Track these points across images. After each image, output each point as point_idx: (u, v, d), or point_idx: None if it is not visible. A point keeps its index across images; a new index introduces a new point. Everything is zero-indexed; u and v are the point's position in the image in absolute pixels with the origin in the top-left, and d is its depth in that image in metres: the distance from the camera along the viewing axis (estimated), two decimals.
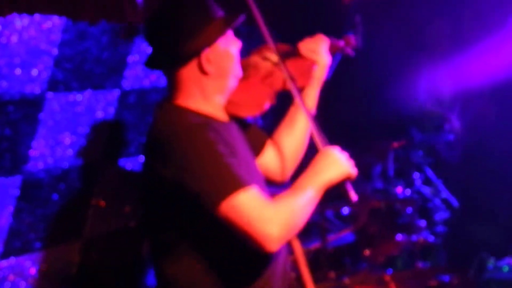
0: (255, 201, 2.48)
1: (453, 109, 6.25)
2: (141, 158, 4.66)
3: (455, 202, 5.51)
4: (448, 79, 5.55)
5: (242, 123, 3.03)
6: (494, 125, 5.77)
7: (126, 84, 4.56)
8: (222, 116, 2.82)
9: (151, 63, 2.82)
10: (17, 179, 4.03)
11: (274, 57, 3.01)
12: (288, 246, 3.24)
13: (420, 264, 4.97)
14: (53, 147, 4.20)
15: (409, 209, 5.02)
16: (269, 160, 3.14)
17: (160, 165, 2.59)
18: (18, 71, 3.93)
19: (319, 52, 3.18)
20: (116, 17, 4.36)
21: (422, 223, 5.06)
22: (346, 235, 5.04)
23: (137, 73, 4.61)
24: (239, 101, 2.86)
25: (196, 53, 2.70)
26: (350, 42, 3.39)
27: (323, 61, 3.19)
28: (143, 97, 4.68)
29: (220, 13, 2.78)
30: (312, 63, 3.15)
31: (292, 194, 2.61)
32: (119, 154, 4.61)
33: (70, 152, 4.29)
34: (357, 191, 5.13)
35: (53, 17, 4.07)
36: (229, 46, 2.78)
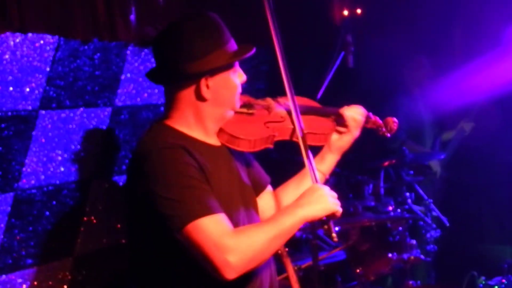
0: (218, 229, 2.47)
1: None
2: None
3: (446, 221, 5.52)
4: (450, 94, 5.58)
5: (245, 157, 3.03)
6: (486, 144, 5.80)
7: (118, 101, 4.58)
8: (212, 140, 2.82)
9: (152, 76, 2.84)
10: (8, 196, 4.04)
11: (289, 105, 2.96)
12: (280, 264, 3.24)
13: (410, 283, 4.97)
14: (45, 164, 4.21)
15: (400, 228, 5.03)
16: (265, 206, 3.10)
17: (134, 181, 2.62)
18: (10, 88, 3.95)
19: (359, 124, 3.16)
20: (108, 35, 4.39)
21: (413, 241, 5.06)
22: (337, 253, 5.03)
23: (129, 90, 4.63)
24: (234, 133, 2.84)
25: (196, 77, 2.69)
26: (389, 125, 3.33)
27: (355, 133, 3.15)
28: (135, 114, 4.70)
29: (231, 42, 2.77)
30: (333, 127, 3.13)
31: (264, 225, 2.60)
32: (110, 171, 4.62)
33: (62, 169, 4.30)
34: (348, 209, 5.18)
35: (46, 35, 4.10)
36: (232, 77, 2.78)
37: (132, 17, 4.51)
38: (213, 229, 2.46)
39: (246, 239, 2.49)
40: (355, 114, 3.16)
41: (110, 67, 4.51)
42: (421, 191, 5.58)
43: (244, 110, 2.96)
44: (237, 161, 2.92)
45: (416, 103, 6.32)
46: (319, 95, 4.75)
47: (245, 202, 2.87)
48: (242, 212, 2.80)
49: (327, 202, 2.65)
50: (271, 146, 2.96)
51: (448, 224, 5.51)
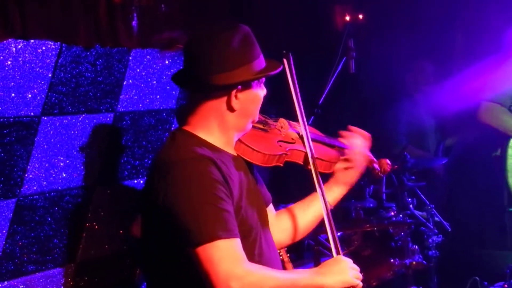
0: (233, 254, 2.48)
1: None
2: (136, 181, 4.69)
3: (448, 226, 5.52)
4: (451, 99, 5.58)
5: (254, 171, 3.04)
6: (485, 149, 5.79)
7: (120, 107, 4.58)
8: (230, 149, 2.84)
9: (179, 80, 2.85)
10: (11, 202, 4.04)
11: (300, 131, 3.02)
12: (283, 269, 3.24)
13: None
14: (47, 170, 4.21)
15: (402, 233, 5.02)
16: None
17: (157, 188, 2.59)
18: (13, 95, 3.96)
19: (364, 159, 3.23)
20: (110, 41, 4.40)
21: (415, 247, 5.05)
22: None
23: (131, 96, 4.64)
24: (252, 145, 2.88)
25: (228, 88, 2.72)
26: (383, 166, 3.38)
27: (361, 168, 3.21)
28: (137, 120, 4.70)
29: (261, 57, 2.80)
30: (337, 156, 3.19)
31: (279, 274, 2.60)
32: (113, 178, 4.62)
33: (64, 175, 4.30)
34: (350, 214, 5.18)
35: (48, 42, 4.11)
36: (258, 90, 2.81)
37: (134, 23, 4.52)
38: (228, 253, 2.47)
39: (256, 276, 2.49)
40: (358, 155, 3.22)
41: (112, 73, 4.52)
42: (423, 196, 5.57)
43: (260, 125, 3.01)
44: (249, 171, 2.94)
45: (418, 108, 6.33)
46: (320, 101, 4.75)
47: (260, 210, 2.90)
48: (259, 226, 2.82)
49: (348, 276, 2.65)
50: (281, 164, 2.99)
51: (450, 229, 5.51)
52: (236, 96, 2.73)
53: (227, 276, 2.42)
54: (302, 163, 3.00)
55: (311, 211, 3.14)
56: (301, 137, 3.02)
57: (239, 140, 2.87)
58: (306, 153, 2.97)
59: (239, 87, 2.72)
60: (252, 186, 2.90)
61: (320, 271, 2.65)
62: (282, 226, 3.13)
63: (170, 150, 2.70)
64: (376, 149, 6.10)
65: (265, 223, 2.92)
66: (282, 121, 3.11)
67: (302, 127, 2.96)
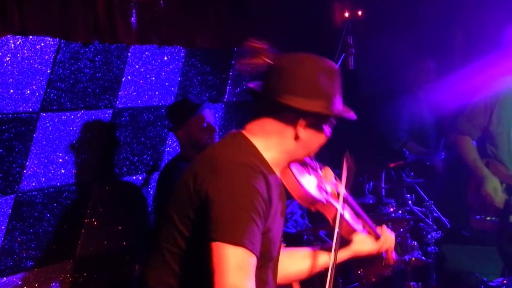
0: (244, 266, 2.44)
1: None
2: (135, 177, 4.69)
3: (446, 222, 5.51)
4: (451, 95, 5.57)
5: None
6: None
7: (119, 103, 4.59)
8: (277, 173, 2.79)
9: (255, 91, 2.78)
10: (9, 198, 4.05)
11: (339, 197, 2.90)
12: None
13: (412, 284, 4.96)
14: (46, 166, 4.22)
15: (401, 229, 5.02)
16: None
17: (204, 180, 2.56)
18: (11, 91, 3.96)
19: (389, 248, 3.20)
20: (109, 37, 4.40)
21: (414, 243, 5.05)
22: None
23: (130, 92, 4.64)
24: (300, 179, 2.80)
25: (301, 114, 2.66)
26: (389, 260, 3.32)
27: (378, 250, 3.16)
28: (136, 116, 4.71)
29: (339, 99, 2.75)
30: (354, 230, 3.09)
31: None
32: (111, 174, 4.62)
33: (62, 171, 4.31)
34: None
35: (47, 38, 4.11)
36: (325, 129, 2.75)
37: (133, 19, 4.52)
38: (240, 265, 2.43)
39: None
40: (390, 242, 3.20)
41: (111, 69, 4.52)
42: (422, 193, 5.57)
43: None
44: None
45: (419, 105, 6.33)
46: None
47: (280, 242, 2.86)
48: (277, 257, 2.80)
49: None
50: (313, 209, 2.92)
51: (449, 226, 5.51)
52: (305, 126, 2.67)
53: (231, 285, 2.39)
54: (330, 220, 2.90)
55: (305, 267, 3.09)
56: (338, 195, 2.92)
57: (288, 169, 2.80)
58: (337, 210, 2.85)
59: (311, 117, 2.67)
60: (283, 217, 2.88)
61: None
62: (285, 266, 3.12)
63: (225, 151, 2.65)
64: (377, 145, 6.12)
65: (279, 256, 2.91)
66: (328, 170, 3.02)
67: (342, 187, 2.89)
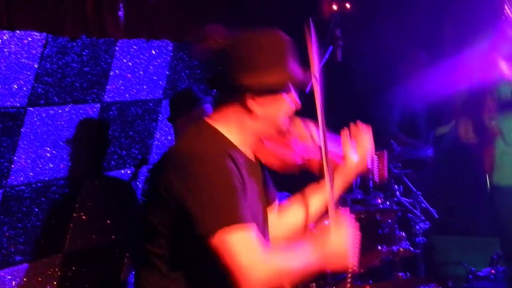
0: (250, 241, 2.44)
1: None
2: (123, 171, 4.70)
3: (434, 213, 5.53)
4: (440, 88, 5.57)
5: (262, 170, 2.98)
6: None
7: (107, 97, 4.59)
8: (248, 153, 2.78)
9: (210, 81, 2.82)
10: None
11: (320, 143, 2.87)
12: None
13: (400, 275, 4.98)
14: (34, 160, 4.22)
15: (389, 220, 5.04)
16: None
17: (173, 178, 2.55)
18: None
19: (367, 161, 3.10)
20: (96, 32, 4.40)
21: (402, 233, 5.07)
22: None
23: (118, 86, 4.64)
24: (274, 150, 2.81)
25: (245, 90, 2.63)
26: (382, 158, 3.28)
27: (363, 167, 3.09)
28: (124, 110, 4.71)
29: (296, 68, 2.71)
30: (340, 157, 3.05)
31: (294, 255, 2.56)
32: (100, 168, 4.63)
33: (50, 165, 4.31)
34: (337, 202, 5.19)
35: (34, 32, 4.11)
36: (286, 100, 2.71)
37: (121, 13, 4.52)
38: (245, 240, 2.44)
39: (276, 261, 2.48)
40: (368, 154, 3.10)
41: (99, 63, 4.52)
42: (409, 183, 5.59)
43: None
44: (263, 176, 2.90)
45: (411, 97, 6.34)
46: (307, 89, 4.76)
47: (265, 218, 2.85)
48: (263, 228, 2.78)
49: (344, 261, 2.65)
50: (297, 172, 2.91)
51: (437, 216, 5.53)
52: (255, 100, 2.65)
53: (247, 264, 2.40)
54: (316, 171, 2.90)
55: (313, 204, 3.04)
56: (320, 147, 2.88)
57: (260, 143, 2.80)
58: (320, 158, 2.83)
59: (257, 91, 2.64)
60: (262, 192, 2.86)
61: (326, 254, 2.61)
62: (284, 221, 3.11)
63: (190, 142, 2.64)
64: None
65: (266, 232, 2.90)
66: (298, 123, 2.98)
67: (322, 142, 2.82)
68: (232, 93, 2.67)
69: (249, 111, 2.66)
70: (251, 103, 2.64)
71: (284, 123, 2.78)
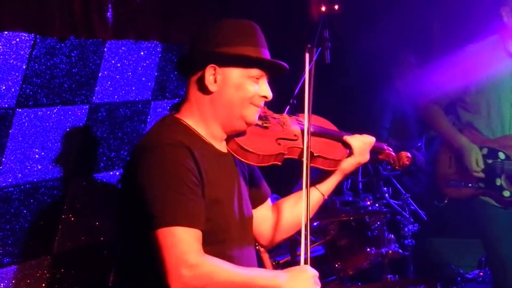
0: (189, 243, 2.48)
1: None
2: (112, 173, 4.68)
3: (423, 215, 5.55)
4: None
5: (249, 167, 2.99)
6: None
7: (95, 99, 4.57)
8: (219, 145, 2.80)
9: (178, 62, 2.88)
10: None
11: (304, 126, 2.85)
12: (258, 260, 3.24)
13: (389, 277, 4.99)
14: (22, 162, 4.20)
15: (378, 222, 5.05)
16: (261, 218, 3.06)
17: (132, 170, 2.62)
18: None
19: (366, 152, 3.14)
20: (85, 33, 4.39)
21: (391, 236, 5.08)
22: (316, 248, 5.06)
23: (106, 88, 4.63)
24: (245, 145, 2.79)
25: (205, 59, 2.69)
26: (402, 160, 3.31)
27: (360, 159, 3.12)
28: (113, 111, 4.70)
29: (263, 51, 2.76)
30: (345, 154, 3.10)
31: (238, 269, 2.57)
32: (88, 169, 4.61)
33: (39, 167, 4.29)
34: (327, 204, 5.19)
35: (22, 33, 4.09)
36: (247, 81, 2.73)
37: (109, 14, 4.51)
38: (183, 240, 2.48)
39: (209, 267, 2.49)
40: (360, 142, 3.13)
41: (87, 64, 4.51)
42: (398, 186, 5.61)
43: (259, 122, 2.89)
44: (240, 171, 2.90)
45: (402, 100, 6.35)
46: (295, 92, 4.76)
47: (241, 213, 2.84)
48: (236, 222, 2.79)
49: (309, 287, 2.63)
50: (279, 163, 2.90)
51: (425, 218, 5.54)
52: (214, 75, 2.69)
53: (179, 263, 2.45)
54: (301, 159, 2.83)
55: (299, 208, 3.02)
56: (303, 132, 2.87)
57: (232, 138, 2.81)
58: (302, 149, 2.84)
59: (218, 61, 2.68)
60: (241, 188, 2.87)
61: (283, 275, 2.62)
62: (275, 220, 3.11)
63: (150, 135, 2.71)
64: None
65: (246, 227, 2.90)
66: (284, 116, 3.02)
67: (306, 122, 2.81)
68: (195, 67, 2.72)
69: (208, 92, 2.70)
70: (209, 81, 2.69)
71: (251, 114, 2.78)
